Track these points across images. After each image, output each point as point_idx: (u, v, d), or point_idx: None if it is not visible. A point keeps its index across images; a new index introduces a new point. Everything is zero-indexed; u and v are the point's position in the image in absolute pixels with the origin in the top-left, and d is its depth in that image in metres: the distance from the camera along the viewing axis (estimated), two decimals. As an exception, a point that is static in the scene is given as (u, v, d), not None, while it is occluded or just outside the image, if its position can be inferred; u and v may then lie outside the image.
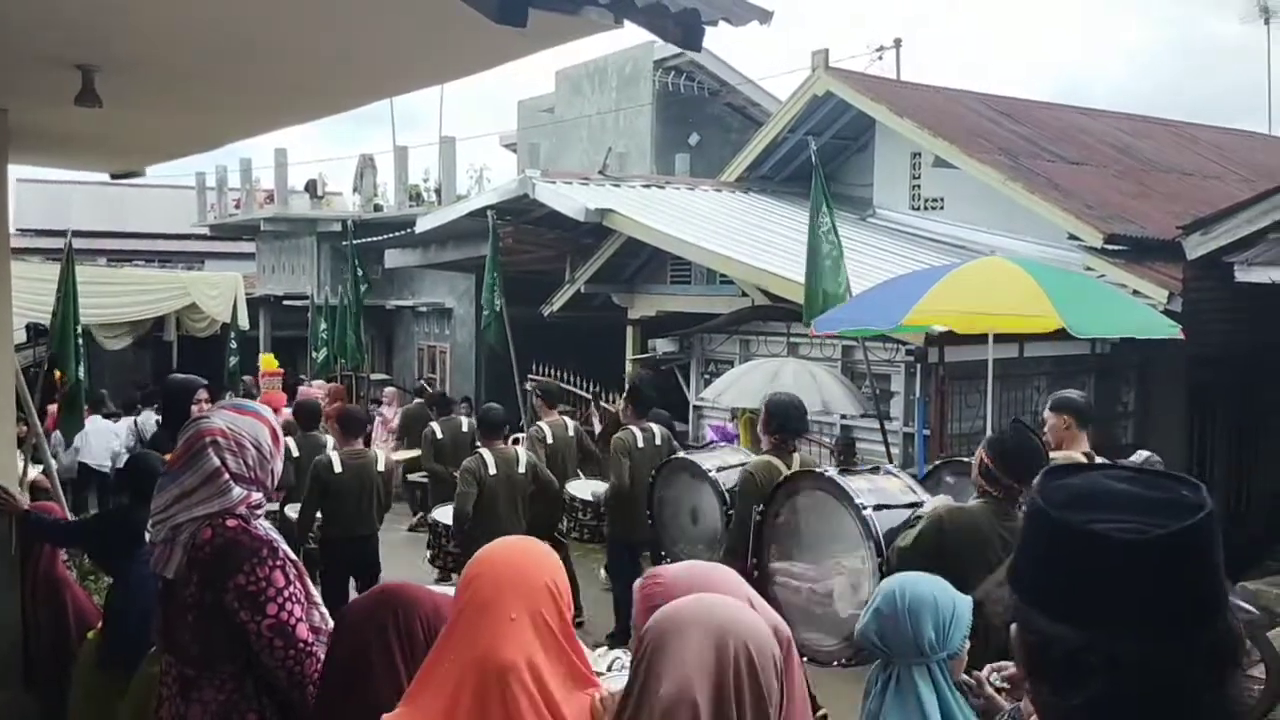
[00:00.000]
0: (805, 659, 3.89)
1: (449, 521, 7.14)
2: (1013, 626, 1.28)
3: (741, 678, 1.70)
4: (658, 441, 7.54)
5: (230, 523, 2.69)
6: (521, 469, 7.14)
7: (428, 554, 7.56)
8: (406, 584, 2.46)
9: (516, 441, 8.17)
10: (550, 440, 8.09)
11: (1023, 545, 1.30)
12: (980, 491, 4.01)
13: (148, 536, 2.73)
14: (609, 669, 3.71)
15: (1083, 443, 5.26)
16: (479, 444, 7.47)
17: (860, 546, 4.33)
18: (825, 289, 7.77)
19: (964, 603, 2.61)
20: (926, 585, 2.63)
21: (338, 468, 6.98)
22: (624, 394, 8.41)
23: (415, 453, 10.82)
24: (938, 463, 5.98)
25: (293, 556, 2.75)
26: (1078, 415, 5.30)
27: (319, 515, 6.99)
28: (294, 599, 2.68)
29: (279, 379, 15.13)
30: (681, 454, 6.55)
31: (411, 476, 12.08)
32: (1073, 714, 1.21)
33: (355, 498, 7.02)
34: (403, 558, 8.84)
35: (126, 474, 4.73)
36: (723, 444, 7.72)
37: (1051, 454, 4.36)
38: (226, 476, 2.71)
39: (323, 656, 2.74)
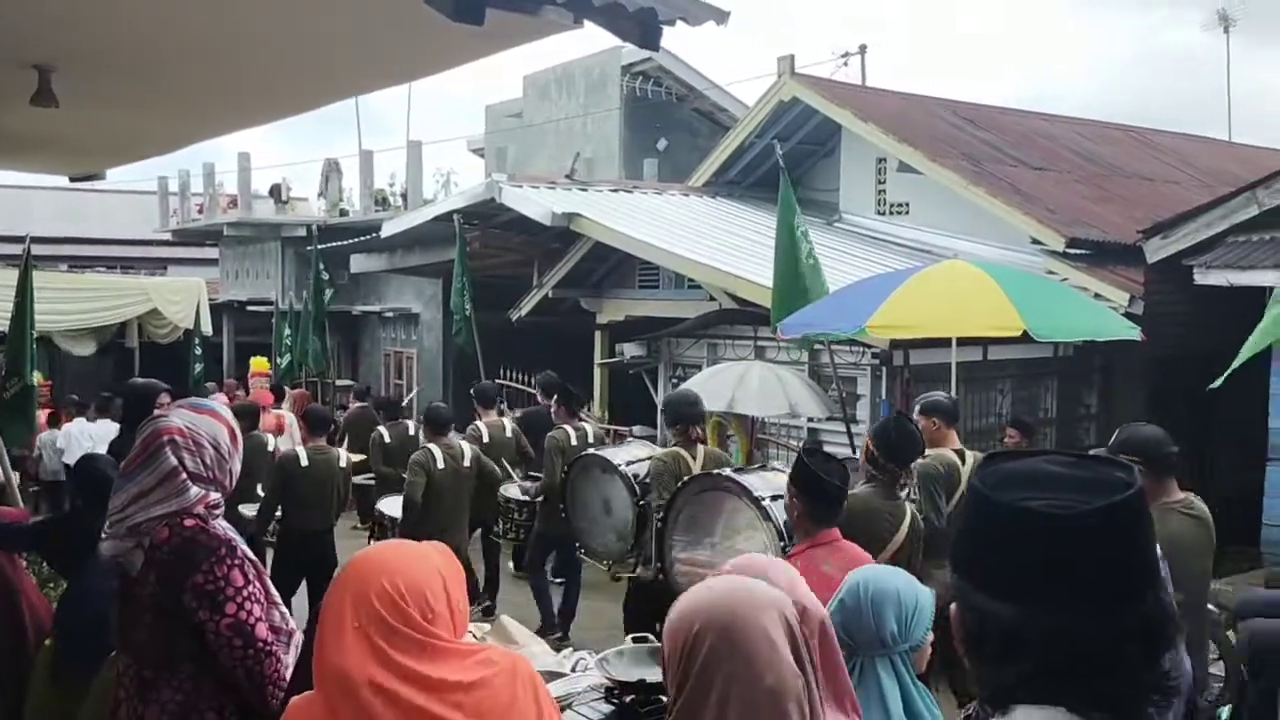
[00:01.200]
0: None
1: (395, 514, 7.38)
2: (952, 606, 1.30)
3: (803, 642, 1.72)
4: (590, 439, 7.73)
5: (188, 522, 2.66)
6: (467, 463, 7.41)
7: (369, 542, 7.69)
8: None
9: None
10: (487, 440, 8.27)
11: (961, 526, 1.33)
12: (868, 476, 4.51)
13: (103, 539, 2.69)
14: (572, 670, 3.71)
15: (953, 440, 5.72)
16: (425, 440, 7.68)
17: (761, 533, 4.57)
18: (801, 293, 7.78)
19: (926, 595, 2.64)
20: (889, 578, 2.67)
21: (305, 462, 7.14)
22: (554, 395, 8.56)
23: (359, 456, 10.85)
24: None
25: (251, 556, 2.73)
26: (945, 416, 5.73)
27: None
28: (253, 598, 2.66)
29: (267, 379, 14.97)
30: (592, 450, 6.71)
31: (355, 479, 12.03)
32: (1008, 690, 1.22)
33: (318, 493, 7.17)
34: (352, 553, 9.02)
35: (76, 479, 4.64)
36: (633, 440, 8.01)
37: (926, 451, 5.02)
38: (184, 476, 2.68)
39: (283, 656, 2.72)
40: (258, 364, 15.41)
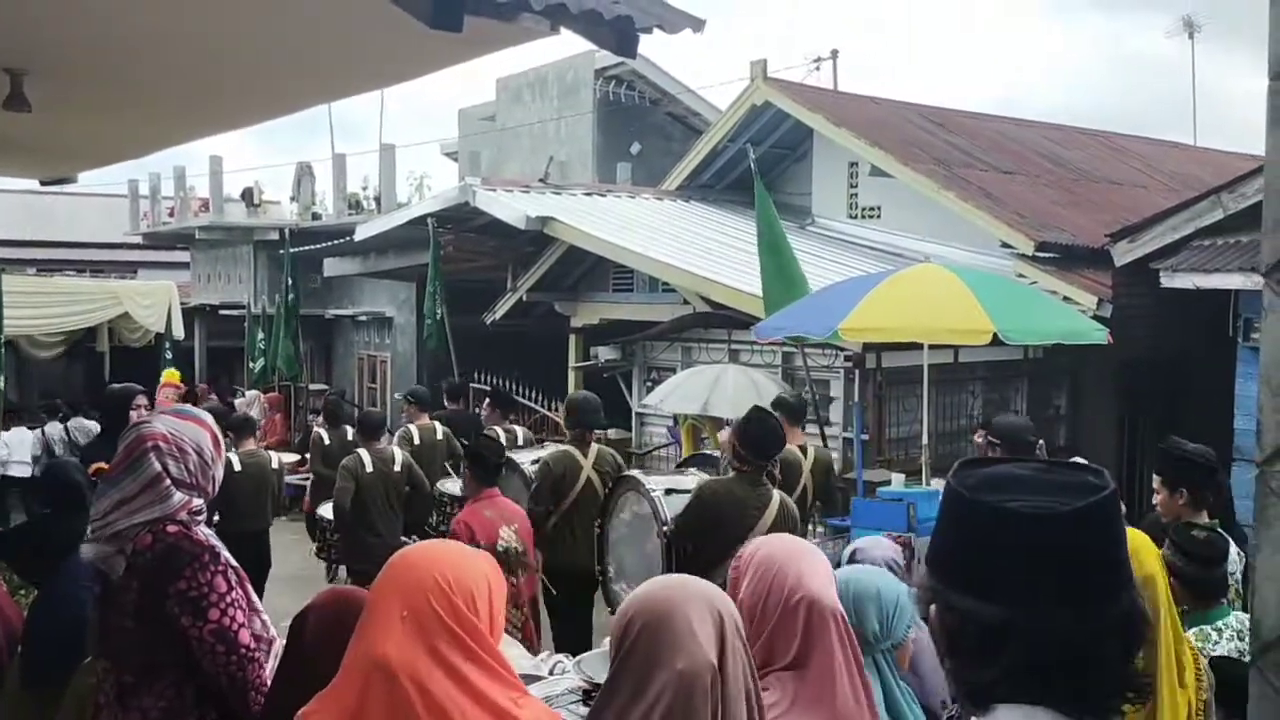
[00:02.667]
0: None
1: (332, 516, 7.77)
2: (931, 608, 1.33)
3: (735, 644, 1.80)
4: (520, 441, 8.28)
5: (170, 529, 2.66)
6: (397, 467, 7.59)
7: (314, 546, 8.58)
8: (357, 589, 2.45)
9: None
10: (417, 442, 8.61)
11: (939, 528, 1.36)
12: (734, 469, 4.89)
13: (84, 543, 2.69)
14: (550, 673, 3.73)
15: (799, 436, 6.37)
16: (359, 445, 7.95)
17: (654, 522, 5.05)
18: (794, 290, 7.84)
19: (907, 593, 2.67)
20: (871, 577, 2.69)
21: (237, 466, 7.38)
22: (487, 399, 9.39)
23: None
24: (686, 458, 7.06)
25: (234, 563, 2.73)
26: (789, 413, 6.39)
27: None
28: (236, 604, 2.66)
29: (177, 390, 14.71)
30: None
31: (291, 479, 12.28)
32: (988, 689, 1.26)
33: (252, 495, 7.47)
34: (294, 552, 9.48)
35: (43, 485, 4.59)
36: (550, 442, 8.41)
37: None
38: (168, 482, 2.68)
39: (266, 663, 2.72)
40: (169, 375, 15.14)
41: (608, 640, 3.63)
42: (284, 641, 3.19)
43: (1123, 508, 1.31)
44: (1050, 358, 10.11)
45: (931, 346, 7.22)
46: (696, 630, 1.76)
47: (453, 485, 8.24)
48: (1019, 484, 1.28)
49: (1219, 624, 3.36)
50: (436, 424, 9.22)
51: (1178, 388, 9.87)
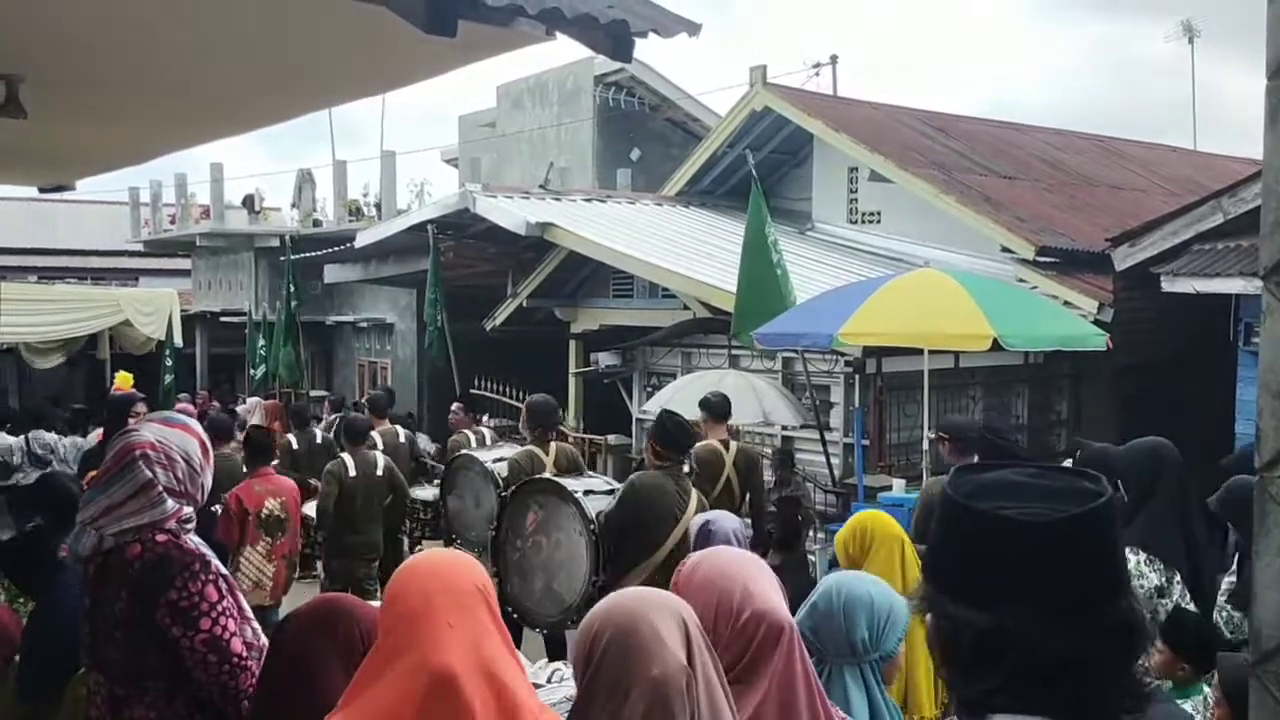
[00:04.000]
0: (539, 630, 5.74)
1: (315, 516, 7.95)
2: (928, 617, 1.31)
3: (701, 646, 1.80)
4: (488, 442, 8.58)
5: (160, 538, 2.64)
6: (379, 472, 7.71)
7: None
8: (343, 596, 2.43)
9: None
10: (380, 447, 8.66)
11: (934, 536, 1.34)
12: (653, 465, 5.33)
13: (63, 553, 2.67)
14: (549, 680, 3.71)
15: (720, 432, 6.85)
16: (342, 450, 8.08)
17: (576, 522, 5.38)
18: (771, 302, 7.83)
19: (901, 605, 2.57)
20: (862, 583, 2.60)
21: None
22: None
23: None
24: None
25: (224, 571, 2.72)
26: (711, 412, 6.89)
27: None
28: (227, 613, 2.65)
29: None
30: (465, 452, 7.51)
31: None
32: (985, 699, 1.24)
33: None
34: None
35: (38, 496, 4.59)
36: (504, 443, 8.50)
37: (701, 441, 6.38)
38: (159, 489, 2.67)
39: (257, 671, 2.70)
40: (122, 379, 15.05)
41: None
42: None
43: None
44: (1051, 362, 10.09)
45: (932, 351, 7.20)
46: (664, 637, 1.76)
47: (426, 491, 8.61)
48: (1014, 490, 1.26)
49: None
50: (398, 428, 9.50)
51: (1178, 392, 9.84)
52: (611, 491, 5.62)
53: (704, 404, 6.95)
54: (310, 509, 8.12)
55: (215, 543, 5.59)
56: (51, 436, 11.60)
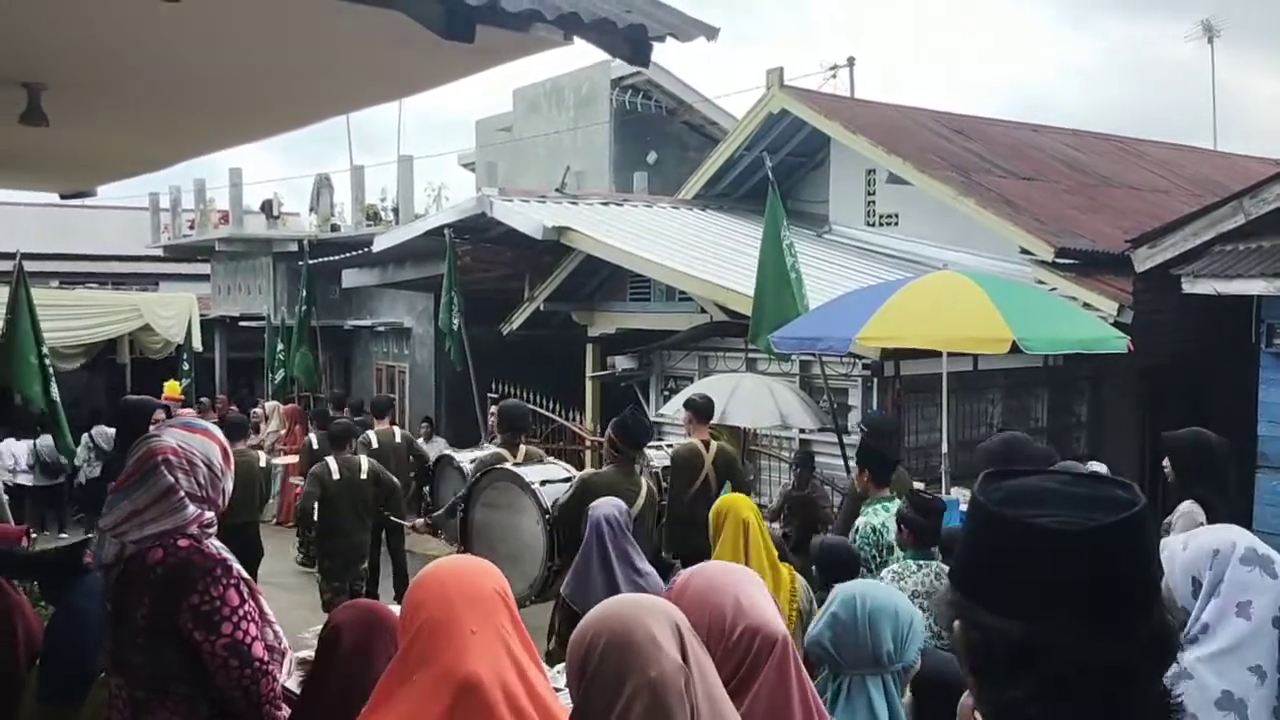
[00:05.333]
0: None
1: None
2: (955, 624, 1.30)
3: (695, 648, 1.80)
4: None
5: (182, 543, 2.66)
6: (364, 475, 7.99)
7: (297, 542, 9.39)
8: (381, 604, 2.47)
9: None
10: (375, 446, 9.22)
11: (964, 543, 1.33)
12: (610, 460, 5.75)
13: (88, 559, 2.69)
14: (566, 685, 3.71)
15: (703, 432, 7.21)
16: (328, 454, 8.33)
17: (534, 511, 5.82)
18: (784, 306, 7.84)
19: (919, 613, 2.56)
20: (888, 594, 2.56)
21: None
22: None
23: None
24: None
25: (245, 575, 2.73)
26: (695, 412, 7.25)
27: None
28: (249, 617, 2.66)
29: (177, 404, 14.79)
30: (446, 451, 8.22)
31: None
32: (1015, 707, 1.23)
33: (240, 491, 7.88)
34: (273, 546, 9.78)
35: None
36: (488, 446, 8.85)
37: (688, 439, 7.10)
38: (181, 494, 2.68)
39: (279, 676, 2.71)
40: (171, 388, 15.06)
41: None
42: (298, 654, 3.19)
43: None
44: (1071, 365, 10.03)
45: (950, 354, 7.17)
46: (660, 640, 1.76)
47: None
48: (1046, 497, 1.25)
49: (923, 562, 4.38)
50: (395, 429, 10.00)
51: (1200, 394, 9.77)
52: (569, 479, 6.03)
53: (689, 404, 7.33)
54: None
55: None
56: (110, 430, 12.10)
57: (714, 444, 7.09)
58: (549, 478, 6.09)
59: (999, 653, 1.23)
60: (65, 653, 3.86)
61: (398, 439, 9.73)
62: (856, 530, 5.14)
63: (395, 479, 8.38)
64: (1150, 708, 1.22)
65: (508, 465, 6.40)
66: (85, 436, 12.69)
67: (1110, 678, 1.20)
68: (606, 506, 4.75)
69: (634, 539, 4.77)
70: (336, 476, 7.82)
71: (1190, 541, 2.51)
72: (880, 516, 5.03)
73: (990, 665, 1.25)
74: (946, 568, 4.11)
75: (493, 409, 10.75)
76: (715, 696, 1.80)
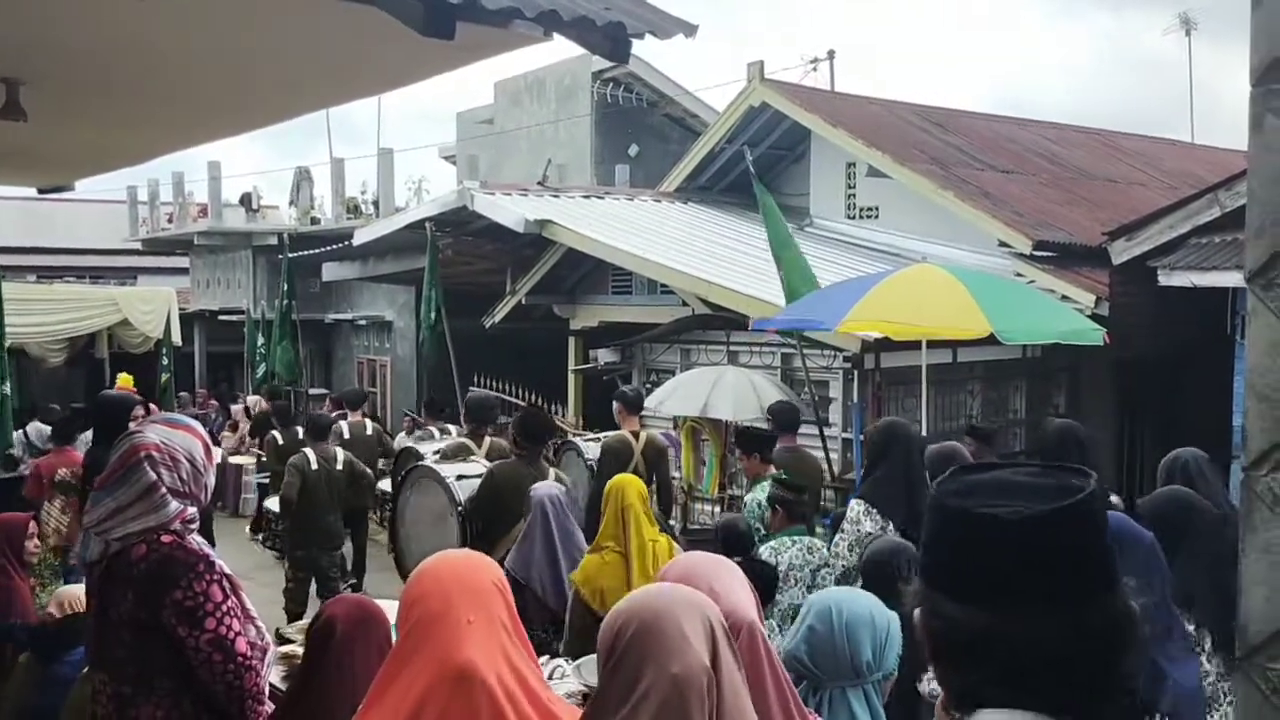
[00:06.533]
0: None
1: (278, 509, 8.66)
2: (916, 613, 1.34)
3: (725, 648, 1.81)
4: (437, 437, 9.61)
5: (165, 539, 2.67)
6: (339, 466, 8.30)
7: (260, 535, 10.24)
8: (370, 599, 2.48)
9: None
10: (348, 437, 9.62)
11: (925, 534, 1.37)
12: (514, 454, 6.17)
13: (73, 562, 2.70)
14: (550, 677, 3.73)
15: (633, 423, 7.54)
16: (306, 445, 8.69)
17: (448, 504, 6.25)
18: (802, 284, 7.93)
19: (896, 621, 2.54)
20: (864, 603, 2.54)
21: None
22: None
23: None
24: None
25: (228, 571, 2.74)
26: (625, 403, 7.59)
27: None
28: (232, 613, 2.67)
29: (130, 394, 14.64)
30: (409, 444, 8.97)
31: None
32: (973, 691, 1.26)
33: None
34: (228, 536, 10.07)
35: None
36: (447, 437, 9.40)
37: (615, 431, 7.48)
38: (163, 491, 2.69)
39: (262, 671, 2.73)
40: (123, 380, 14.94)
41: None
42: (279, 649, 3.20)
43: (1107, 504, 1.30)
44: (1049, 356, 10.10)
45: (929, 346, 7.22)
46: (688, 634, 1.75)
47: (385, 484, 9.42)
48: (999, 489, 1.29)
49: (795, 538, 4.97)
50: (368, 421, 10.44)
51: (1176, 385, 9.88)
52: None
53: (619, 396, 7.73)
54: (270, 503, 9.12)
55: (22, 498, 6.99)
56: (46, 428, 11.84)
57: (643, 434, 7.48)
58: (465, 473, 6.53)
59: (958, 639, 1.27)
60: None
61: (369, 431, 10.13)
62: (745, 506, 5.95)
63: (369, 470, 8.71)
64: (1105, 691, 1.25)
65: (426, 462, 6.94)
66: (19, 434, 12.29)
67: (1062, 662, 1.23)
68: (547, 488, 5.15)
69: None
70: (314, 466, 8.10)
71: None
72: (766, 493, 5.59)
73: (951, 652, 1.29)
74: (818, 541, 5.13)
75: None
76: (741, 700, 1.80)
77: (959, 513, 1.29)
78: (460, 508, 6.17)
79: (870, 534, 4.52)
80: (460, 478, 6.40)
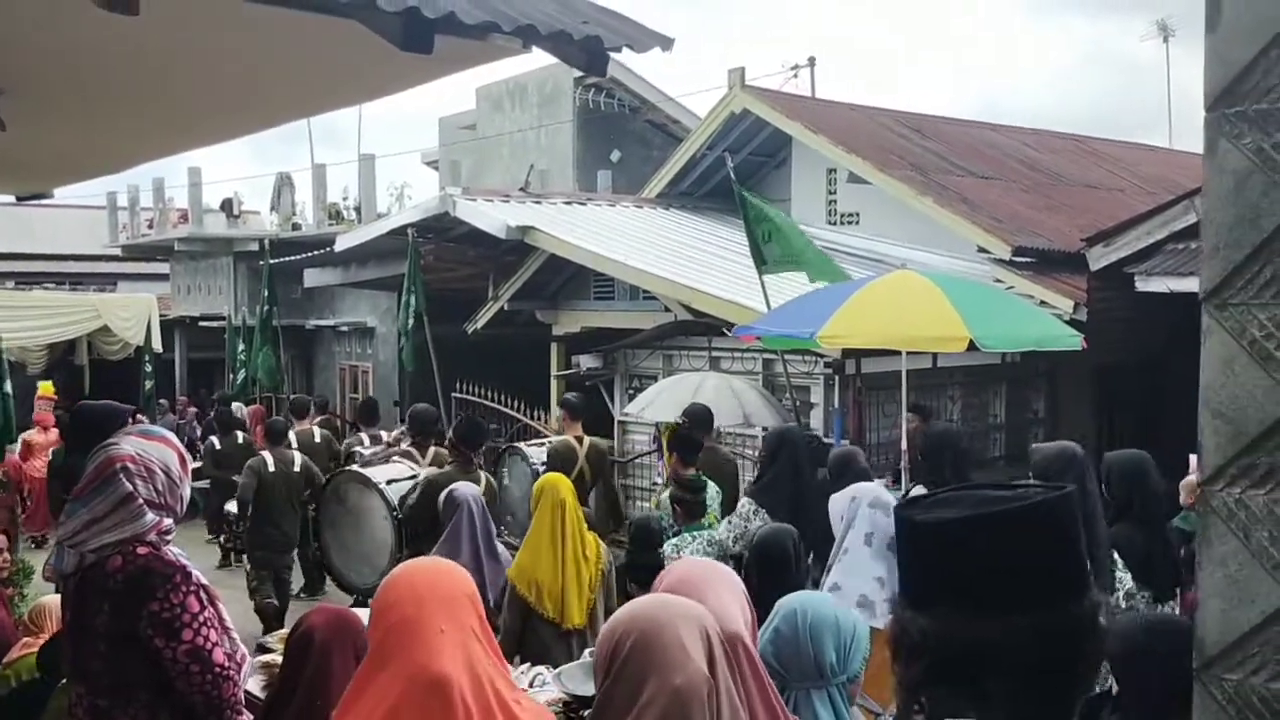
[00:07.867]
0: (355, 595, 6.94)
1: (236, 511, 9.16)
2: (889, 622, 1.37)
3: (722, 657, 1.84)
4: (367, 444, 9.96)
5: (141, 550, 2.67)
6: (296, 469, 8.58)
7: (220, 539, 11.15)
8: (348, 609, 2.49)
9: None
10: (295, 446, 9.53)
11: (899, 552, 1.40)
12: (452, 459, 6.58)
13: (48, 575, 2.70)
14: (530, 685, 3.75)
15: (576, 428, 8.00)
16: (263, 448, 9.08)
17: (382, 508, 6.68)
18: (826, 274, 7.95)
19: (863, 624, 2.57)
20: (827, 605, 2.56)
21: None
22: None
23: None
24: None
25: (204, 581, 2.74)
26: (569, 410, 8.09)
27: None
28: (209, 624, 2.67)
29: (51, 402, 14.57)
30: (356, 448, 9.20)
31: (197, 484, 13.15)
32: (913, 689, 1.32)
33: None
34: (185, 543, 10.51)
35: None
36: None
37: (560, 436, 7.99)
38: (140, 502, 2.69)
39: (239, 681, 2.73)
40: (44, 388, 14.90)
41: (587, 653, 3.68)
42: (257, 658, 3.20)
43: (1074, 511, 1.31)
44: (1028, 361, 10.17)
45: (910, 352, 7.26)
46: (688, 645, 1.77)
47: None
48: (959, 501, 1.32)
49: (696, 533, 5.41)
50: (315, 428, 10.56)
51: (1154, 390, 9.95)
52: (413, 477, 6.82)
53: (563, 404, 8.12)
54: (229, 505, 9.56)
55: None
56: None
57: (587, 440, 7.88)
58: (394, 477, 6.88)
59: (907, 641, 1.31)
60: None
61: (317, 439, 10.34)
62: (659, 504, 6.33)
63: (322, 475, 8.86)
64: (1063, 695, 1.27)
65: (354, 468, 7.33)
66: None
67: (987, 663, 1.25)
68: (468, 488, 5.41)
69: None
70: (271, 469, 8.39)
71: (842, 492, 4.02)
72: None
73: (903, 653, 1.33)
74: (717, 534, 5.47)
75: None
76: (736, 709, 1.83)
77: (919, 525, 1.32)
78: (395, 512, 6.54)
79: (758, 528, 4.93)
80: (390, 482, 6.78)
